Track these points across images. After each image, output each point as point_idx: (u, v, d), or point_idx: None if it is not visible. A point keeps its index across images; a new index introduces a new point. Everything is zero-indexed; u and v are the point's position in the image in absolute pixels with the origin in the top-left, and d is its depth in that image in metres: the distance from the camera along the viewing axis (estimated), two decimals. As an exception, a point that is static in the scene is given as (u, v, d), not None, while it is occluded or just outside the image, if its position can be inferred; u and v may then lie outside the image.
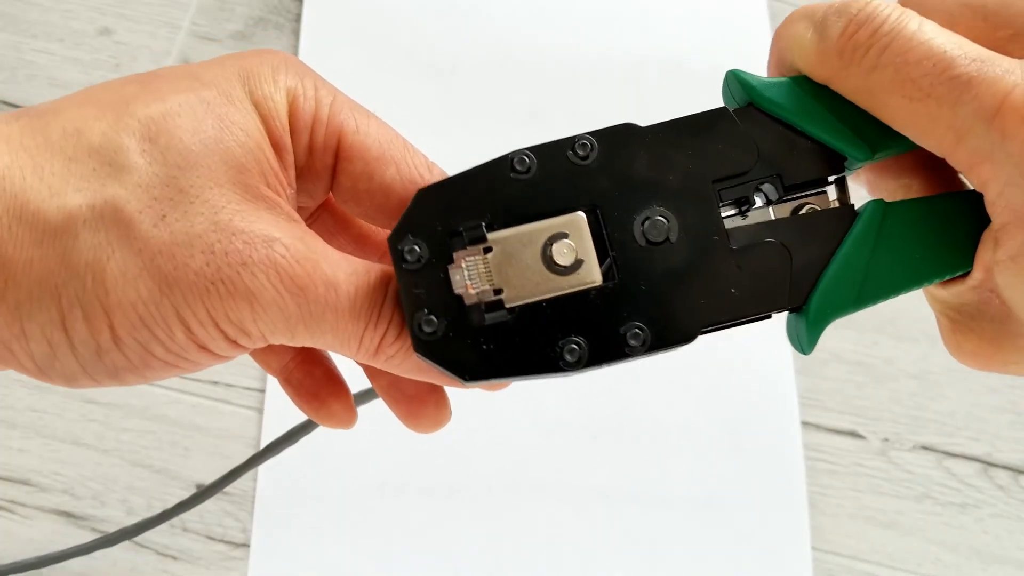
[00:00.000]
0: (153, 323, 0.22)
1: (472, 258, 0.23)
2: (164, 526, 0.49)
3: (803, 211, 0.25)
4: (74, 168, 0.22)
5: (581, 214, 0.24)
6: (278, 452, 0.41)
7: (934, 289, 0.25)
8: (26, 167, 0.22)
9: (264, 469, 0.52)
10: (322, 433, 0.39)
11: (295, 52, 0.62)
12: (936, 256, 0.24)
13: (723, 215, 0.24)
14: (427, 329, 0.23)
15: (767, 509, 0.55)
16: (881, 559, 0.54)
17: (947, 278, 0.24)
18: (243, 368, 0.54)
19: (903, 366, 0.58)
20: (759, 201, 0.25)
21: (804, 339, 0.24)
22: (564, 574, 0.53)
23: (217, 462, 0.53)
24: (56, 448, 0.52)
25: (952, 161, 0.22)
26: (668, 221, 0.24)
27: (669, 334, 0.23)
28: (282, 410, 0.43)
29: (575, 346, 0.23)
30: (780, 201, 0.25)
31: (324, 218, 0.30)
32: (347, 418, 0.31)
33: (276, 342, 0.24)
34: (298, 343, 0.24)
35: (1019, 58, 0.22)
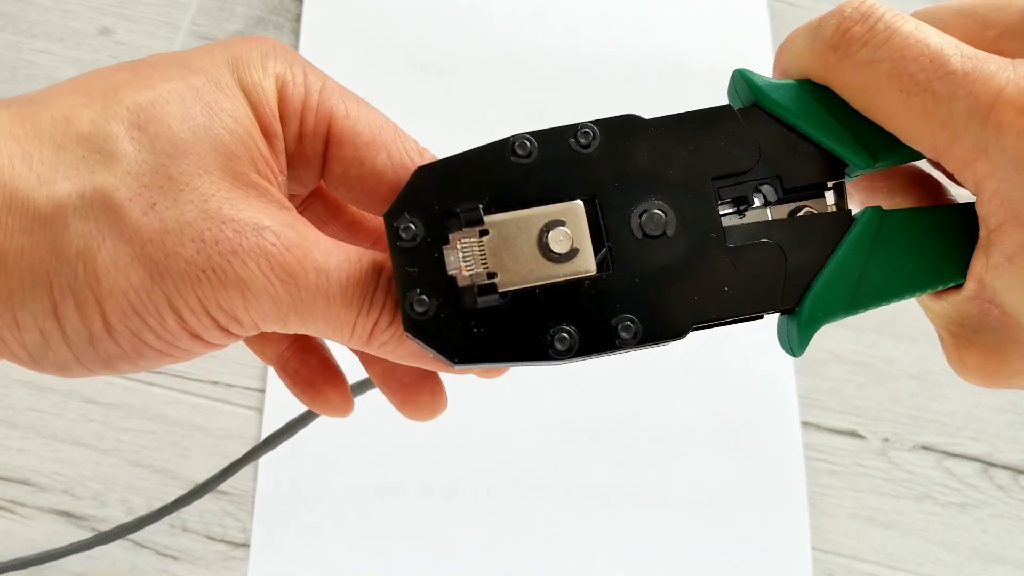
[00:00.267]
0: (145, 311, 0.22)
1: (468, 240, 0.23)
2: (164, 526, 0.49)
3: (800, 213, 0.25)
4: (63, 156, 0.22)
5: (579, 202, 0.23)
6: (276, 445, 0.41)
7: (933, 304, 0.25)
8: (15, 155, 0.22)
9: (264, 469, 0.52)
10: (322, 433, 0.39)
11: (295, 52, 0.62)
12: (930, 265, 0.24)
13: (721, 213, 0.24)
14: (418, 309, 0.23)
15: (767, 509, 0.55)
16: (881, 559, 0.54)
17: (940, 288, 0.24)
18: (243, 368, 0.54)
19: (903, 366, 0.58)
20: (757, 202, 0.25)
21: (795, 341, 0.24)
22: (564, 574, 0.53)
23: (217, 462, 0.53)
24: (56, 448, 0.52)
25: (946, 160, 0.22)
26: (666, 215, 0.23)
27: (660, 329, 0.23)
28: (282, 410, 0.43)
29: (566, 335, 0.23)
30: (779, 203, 0.25)
31: (315, 205, 0.30)
32: (343, 406, 0.31)
33: (268, 329, 0.24)
34: (290, 330, 0.24)
35: (1006, 55, 0.22)
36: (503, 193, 0.23)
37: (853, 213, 0.24)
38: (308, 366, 0.30)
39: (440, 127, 0.61)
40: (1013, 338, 0.23)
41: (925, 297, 0.25)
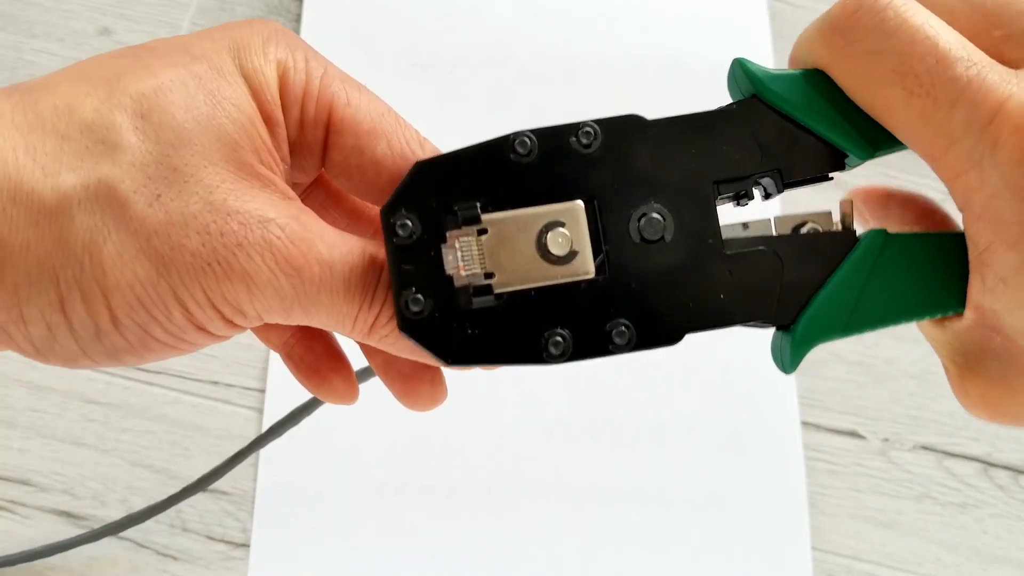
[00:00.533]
0: (151, 304, 0.22)
1: (466, 239, 0.23)
2: (164, 526, 0.49)
3: (804, 229, 0.25)
4: (67, 147, 0.22)
5: (580, 203, 0.23)
6: (280, 434, 0.41)
7: (936, 332, 0.24)
8: (19, 146, 0.22)
9: (264, 469, 0.52)
10: (322, 433, 0.39)
11: (295, 52, 0.62)
12: (931, 292, 0.23)
13: (720, 206, 0.24)
14: (414, 308, 0.23)
15: (767, 509, 0.55)
16: (881, 559, 0.54)
17: (939, 316, 0.24)
18: (243, 368, 0.54)
19: (903, 366, 0.58)
20: (758, 195, 0.25)
21: (787, 358, 0.24)
22: (564, 574, 0.53)
23: (217, 462, 0.53)
24: (56, 448, 0.52)
25: (938, 167, 0.22)
26: (664, 220, 0.23)
27: (654, 334, 0.23)
28: (282, 410, 0.43)
29: (560, 338, 0.23)
30: (779, 193, 0.24)
31: (317, 192, 0.30)
32: (348, 393, 0.31)
33: (272, 321, 0.24)
34: (293, 322, 0.24)
35: (1009, 59, 0.21)
36: (502, 191, 0.23)
37: (858, 234, 0.24)
38: (313, 353, 0.30)
39: (440, 127, 0.61)
40: (1018, 367, 0.22)
41: (927, 326, 0.25)
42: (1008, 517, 0.55)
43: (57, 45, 0.61)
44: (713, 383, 0.57)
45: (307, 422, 0.42)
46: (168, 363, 0.54)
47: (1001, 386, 0.23)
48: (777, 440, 0.56)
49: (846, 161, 0.24)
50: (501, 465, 0.54)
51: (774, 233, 0.25)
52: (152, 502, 0.48)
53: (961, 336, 0.23)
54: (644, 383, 0.56)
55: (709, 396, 0.56)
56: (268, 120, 0.24)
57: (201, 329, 0.23)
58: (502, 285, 0.23)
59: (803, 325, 0.23)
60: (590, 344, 0.23)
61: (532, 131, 0.24)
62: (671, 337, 0.23)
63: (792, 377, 0.57)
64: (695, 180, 0.24)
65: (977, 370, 0.23)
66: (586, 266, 0.23)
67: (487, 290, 0.23)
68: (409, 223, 0.23)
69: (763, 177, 0.24)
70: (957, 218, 0.24)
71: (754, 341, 0.58)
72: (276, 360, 0.54)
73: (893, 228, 0.24)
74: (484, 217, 0.23)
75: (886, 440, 0.57)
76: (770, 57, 0.65)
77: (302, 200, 0.25)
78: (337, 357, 0.30)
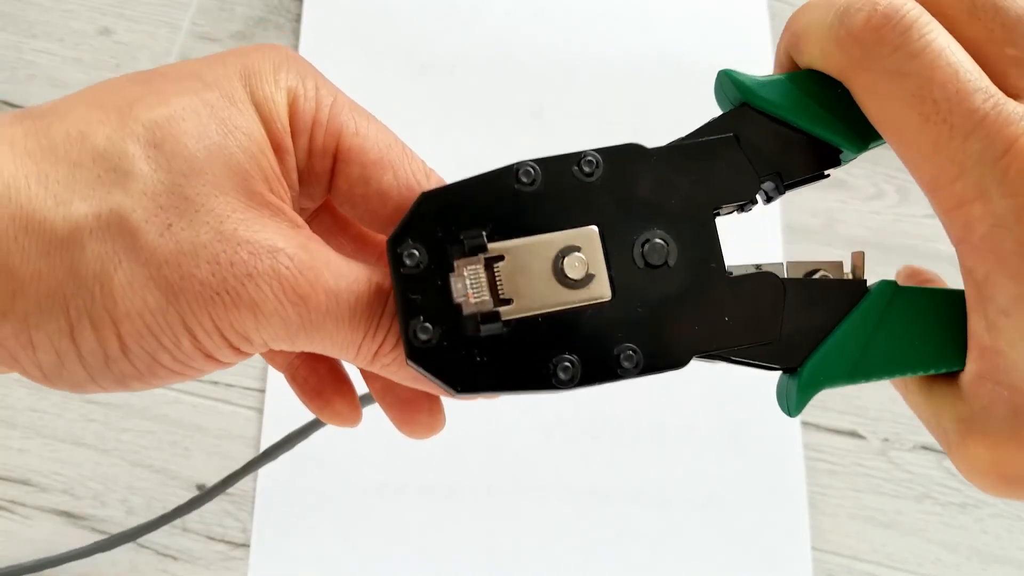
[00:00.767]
0: (160, 332, 0.22)
1: (474, 267, 0.23)
2: (164, 526, 0.49)
3: (816, 276, 0.25)
4: (79, 175, 0.22)
5: (594, 228, 0.24)
6: (291, 447, 0.41)
7: (935, 400, 0.24)
8: (31, 175, 0.22)
9: (264, 469, 0.52)
10: (323, 433, 0.39)
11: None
12: (935, 345, 0.23)
13: (726, 217, 0.24)
14: (422, 336, 0.23)
15: (767, 509, 0.55)
16: (881, 559, 0.54)
17: (944, 370, 0.24)
18: (243, 368, 0.54)
19: (903, 366, 0.58)
20: (760, 200, 0.25)
21: (792, 401, 0.24)
22: (564, 574, 0.53)
23: (217, 462, 0.53)
24: (56, 448, 0.52)
25: (940, 195, 0.22)
26: (668, 245, 0.24)
27: (662, 358, 0.23)
28: (282, 410, 0.43)
29: (568, 364, 0.23)
30: (780, 195, 0.25)
31: (323, 217, 0.30)
32: (351, 416, 0.31)
33: (277, 348, 0.24)
34: (298, 348, 0.24)
35: (1012, 83, 0.21)
36: (507, 220, 0.23)
37: (868, 284, 0.24)
38: (317, 375, 0.30)
39: (440, 127, 0.61)
40: None
41: (924, 401, 0.24)
42: (1008, 517, 0.55)
43: (57, 45, 0.61)
44: (713, 383, 0.57)
45: (307, 422, 0.42)
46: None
47: (1011, 443, 0.22)
48: (777, 440, 0.56)
49: (841, 156, 0.25)
50: (501, 465, 0.54)
51: (786, 276, 0.25)
52: (152, 502, 0.48)
53: (966, 393, 0.23)
54: (644, 383, 0.56)
55: (709, 396, 0.56)
56: (278, 148, 0.24)
57: (208, 356, 0.23)
58: (518, 311, 0.23)
59: (809, 369, 0.24)
60: (598, 369, 0.23)
61: (535, 161, 0.24)
62: (678, 360, 0.24)
63: (792, 377, 0.57)
64: (696, 206, 0.24)
65: (985, 430, 0.22)
66: (603, 289, 0.23)
67: (495, 317, 0.23)
68: (416, 252, 0.23)
69: (763, 181, 0.24)
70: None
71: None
72: (276, 360, 0.54)
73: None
74: (493, 245, 0.23)
75: (886, 440, 0.57)
76: (770, 57, 0.65)
77: (308, 225, 0.25)
78: (341, 380, 0.31)
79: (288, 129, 0.24)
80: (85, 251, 0.22)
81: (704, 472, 0.55)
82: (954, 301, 0.23)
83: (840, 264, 0.25)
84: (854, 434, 0.57)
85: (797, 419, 0.56)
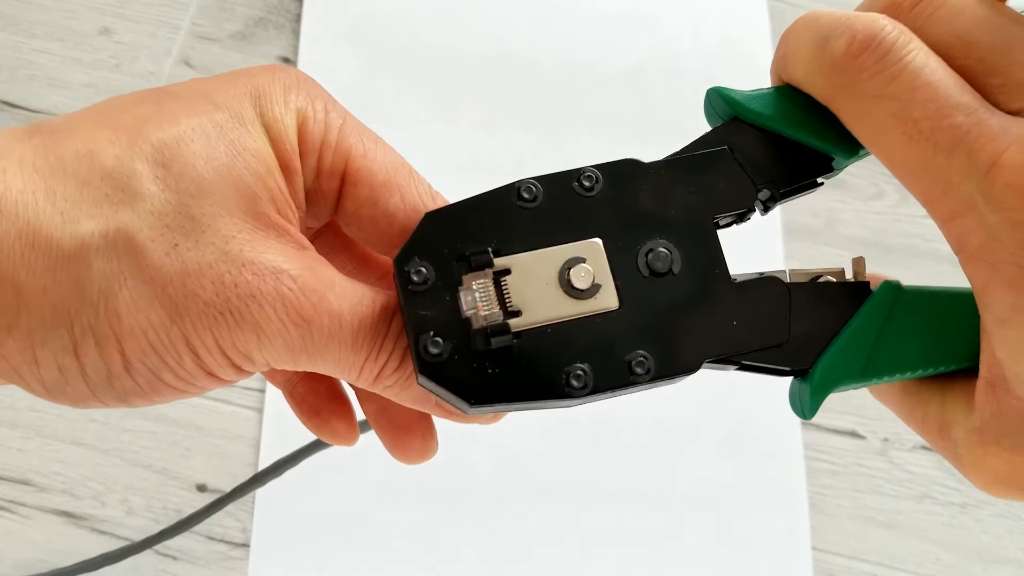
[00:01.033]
0: (163, 350, 0.22)
1: (482, 280, 0.23)
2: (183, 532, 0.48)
3: (820, 280, 0.25)
4: (87, 193, 0.22)
5: (598, 240, 0.24)
6: (298, 462, 0.41)
7: (946, 413, 0.24)
8: (39, 191, 0.22)
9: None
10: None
11: (295, 52, 0.62)
12: (941, 344, 0.24)
13: (726, 229, 0.25)
14: (433, 351, 0.23)
15: (767, 509, 0.55)
16: (881, 559, 0.54)
17: (953, 368, 0.24)
18: (243, 368, 0.54)
19: (903, 366, 0.58)
20: (757, 210, 0.25)
21: (806, 404, 0.24)
22: (564, 574, 0.53)
23: (217, 462, 0.53)
24: (56, 448, 0.52)
25: (934, 209, 0.22)
26: (671, 253, 0.24)
27: (673, 363, 0.24)
28: (283, 410, 0.43)
29: (581, 372, 0.23)
30: (776, 204, 0.25)
31: (327, 236, 0.30)
32: (348, 436, 0.31)
33: (279, 367, 0.24)
34: (300, 368, 0.24)
35: (1005, 110, 0.21)
36: (511, 236, 0.24)
37: (872, 286, 0.25)
38: (315, 394, 0.31)
39: (439, 127, 0.62)
40: None
41: (936, 428, 0.24)
42: (1008, 517, 0.55)
43: (57, 45, 0.61)
44: (713, 383, 0.57)
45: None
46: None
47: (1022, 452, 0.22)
48: (777, 440, 0.56)
49: (834, 164, 0.25)
50: (501, 466, 0.54)
51: (790, 281, 0.25)
52: (152, 502, 0.48)
53: (977, 403, 0.23)
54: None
55: (709, 396, 0.57)
56: (286, 169, 0.24)
57: (210, 374, 0.24)
58: (527, 323, 0.23)
59: (820, 371, 0.24)
60: (611, 376, 0.23)
61: (536, 178, 0.24)
62: (690, 366, 0.24)
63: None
64: (696, 215, 0.24)
65: (1000, 441, 0.22)
66: (610, 299, 0.24)
67: (505, 329, 0.23)
68: (423, 270, 0.23)
69: (760, 192, 0.25)
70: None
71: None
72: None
73: None
74: (500, 260, 0.24)
75: (886, 440, 0.57)
76: (770, 57, 0.65)
77: (312, 243, 0.25)
78: (339, 399, 0.31)
79: (297, 150, 0.25)
80: (91, 268, 0.22)
81: (704, 472, 0.55)
82: (957, 299, 0.24)
83: (842, 271, 0.25)
84: (854, 434, 0.57)
85: (797, 419, 0.56)
